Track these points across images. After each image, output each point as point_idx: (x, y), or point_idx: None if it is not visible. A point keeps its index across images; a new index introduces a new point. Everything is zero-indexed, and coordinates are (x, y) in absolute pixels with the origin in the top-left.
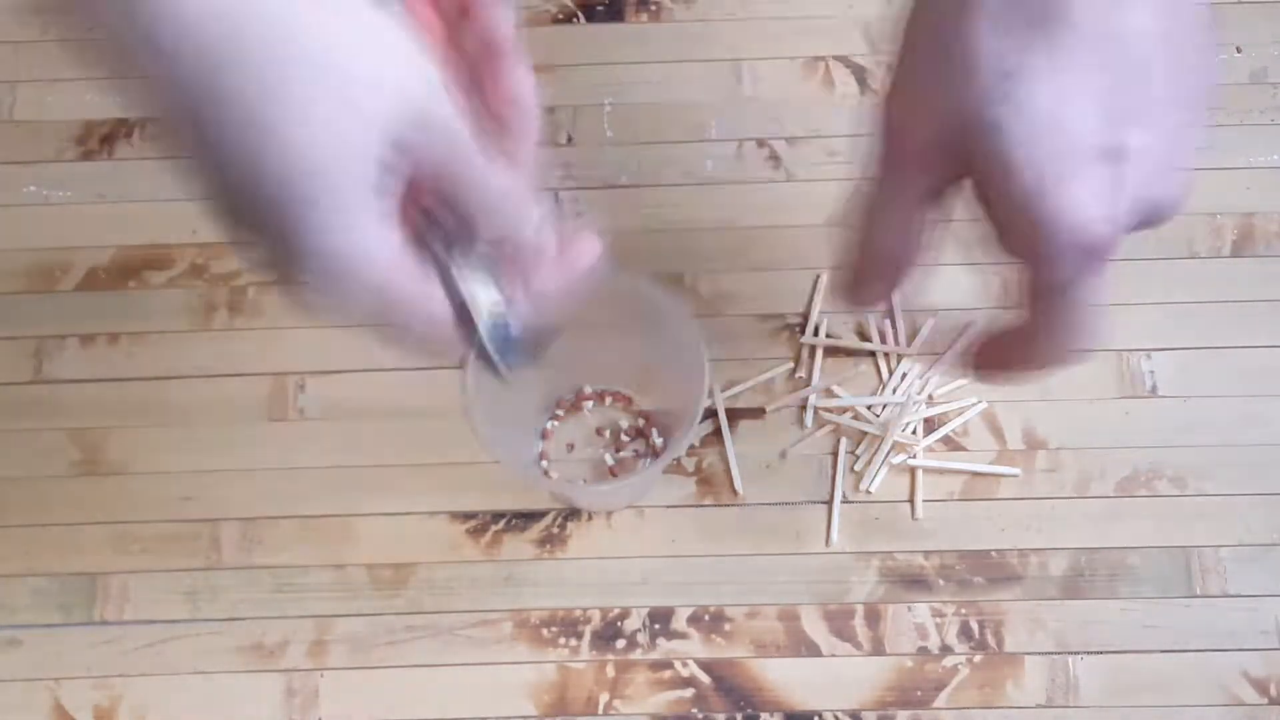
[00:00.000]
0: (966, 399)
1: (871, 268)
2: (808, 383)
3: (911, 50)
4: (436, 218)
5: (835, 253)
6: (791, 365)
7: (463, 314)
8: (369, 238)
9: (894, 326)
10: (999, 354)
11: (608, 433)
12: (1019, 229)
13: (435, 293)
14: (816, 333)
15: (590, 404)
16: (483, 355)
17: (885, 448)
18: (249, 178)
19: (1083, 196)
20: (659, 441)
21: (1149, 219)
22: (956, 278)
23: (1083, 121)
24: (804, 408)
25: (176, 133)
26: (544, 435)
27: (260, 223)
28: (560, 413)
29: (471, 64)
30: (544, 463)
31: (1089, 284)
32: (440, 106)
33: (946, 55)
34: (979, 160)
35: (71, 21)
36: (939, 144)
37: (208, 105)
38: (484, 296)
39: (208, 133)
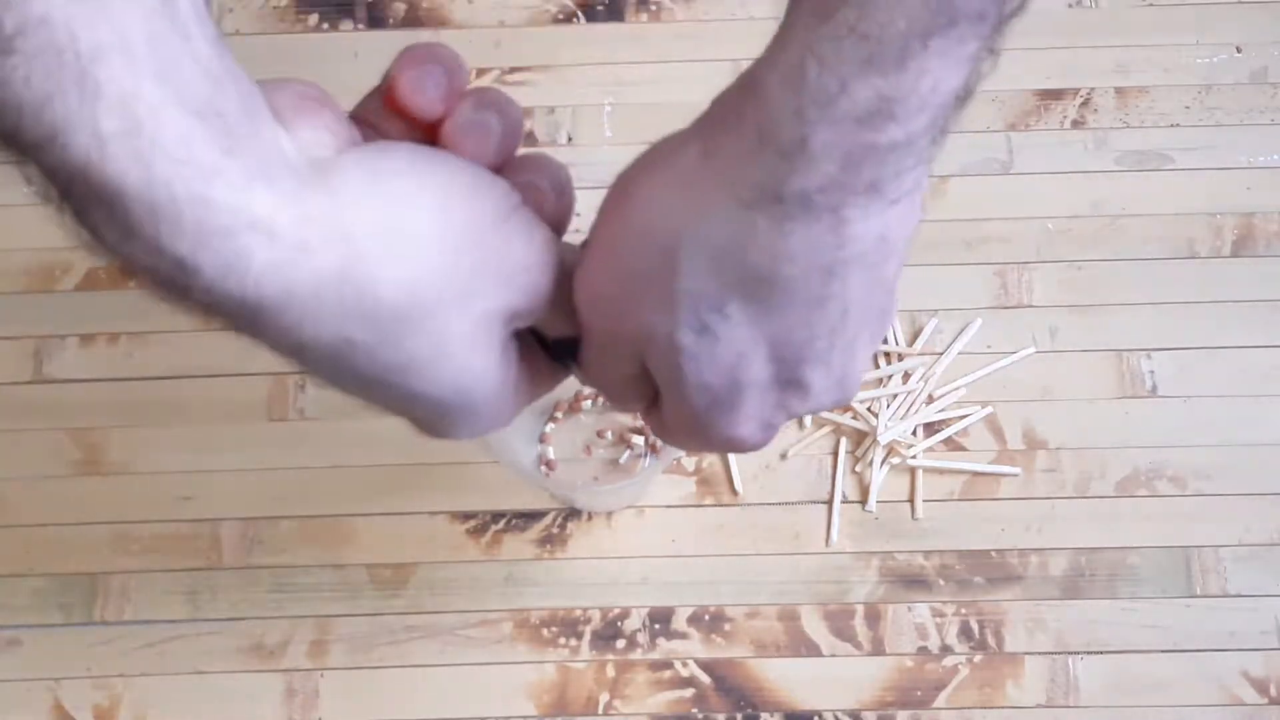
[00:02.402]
0: (969, 405)
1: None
2: None
3: (612, 248)
4: None
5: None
6: None
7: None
8: (508, 407)
9: (894, 327)
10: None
11: (608, 433)
12: (681, 422)
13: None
14: None
15: (589, 405)
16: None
17: (879, 447)
18: (391, 401)
19: (743, 420)
20: (657, 441)
21: (808, 413)
22: (956, 278)
23: (766, 363)
24: None
25: (311, 370)
26: (543, 437)
27: (410, 414)
28: (560, 414)
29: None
30: (544, 464)
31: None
32: (554, 275)
33: (650, 273)
34: (658, 369)
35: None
36: (627, 341)
37: (341, 359)
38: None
39: (348, 378)
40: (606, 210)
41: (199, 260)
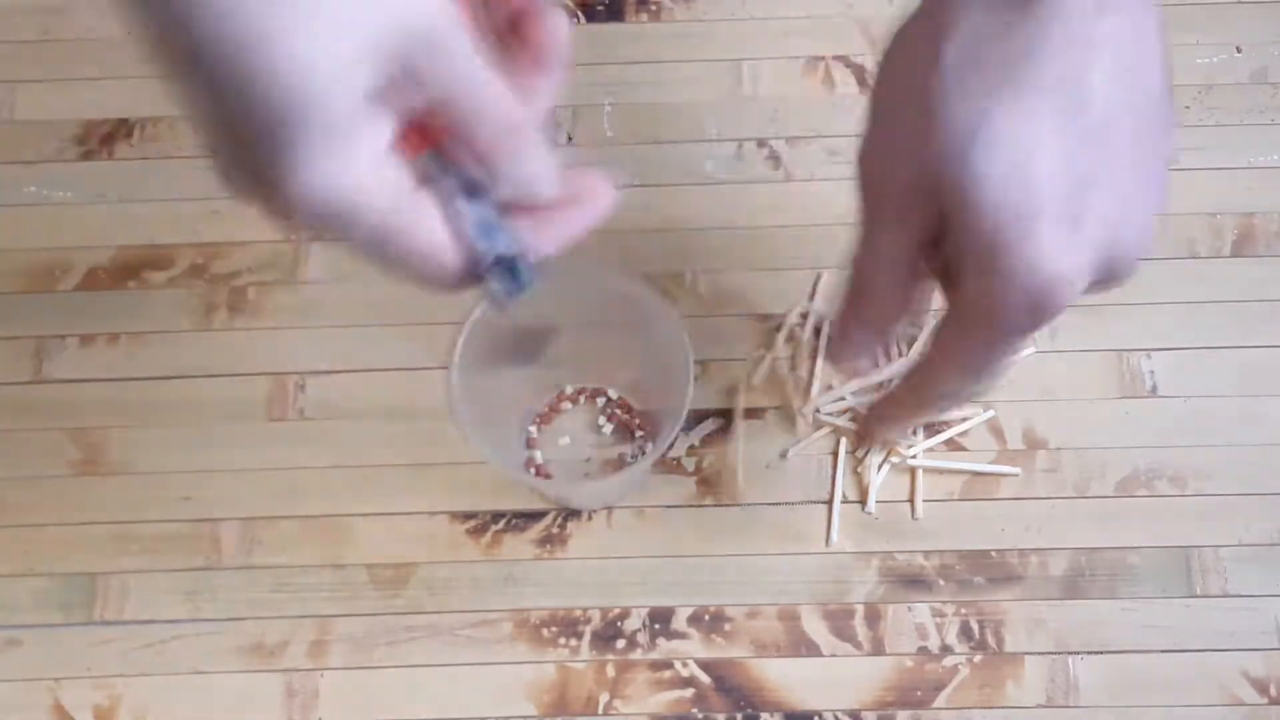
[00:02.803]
0: (969, 408)
1: (862, 322)
2: (808, 383)
3: (882, 102)
4: (446, 154)
5: (830, 308)
6: (767, 355)
7: (461, 243)
8: (361, 164)
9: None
10: (896, 405)
11: (595, 431)
12: (977, 282)
13: (434, 222)
14: (817, 333)
15: (576, 403)
16: (484, 287)
17: (874, 446)
18: (241, 98)
19: (1041, 255)
20: (643, 438)
21: (1104, 280)
22: None
23: (1044, 180)
24: (796, 413)
25: (169, 51)
26: (531, 434)
27: (252, 151)
28: (548, 411)
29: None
30: (532, 467)
31: (1029, 336)
32: (446, 25)
33: (914, 108)
34: (954, 210)
35: None
36: (913, 195)
37: (203, 17)
38: (489, 230)
39: (203, 48)
40: (876, 81)
41: None
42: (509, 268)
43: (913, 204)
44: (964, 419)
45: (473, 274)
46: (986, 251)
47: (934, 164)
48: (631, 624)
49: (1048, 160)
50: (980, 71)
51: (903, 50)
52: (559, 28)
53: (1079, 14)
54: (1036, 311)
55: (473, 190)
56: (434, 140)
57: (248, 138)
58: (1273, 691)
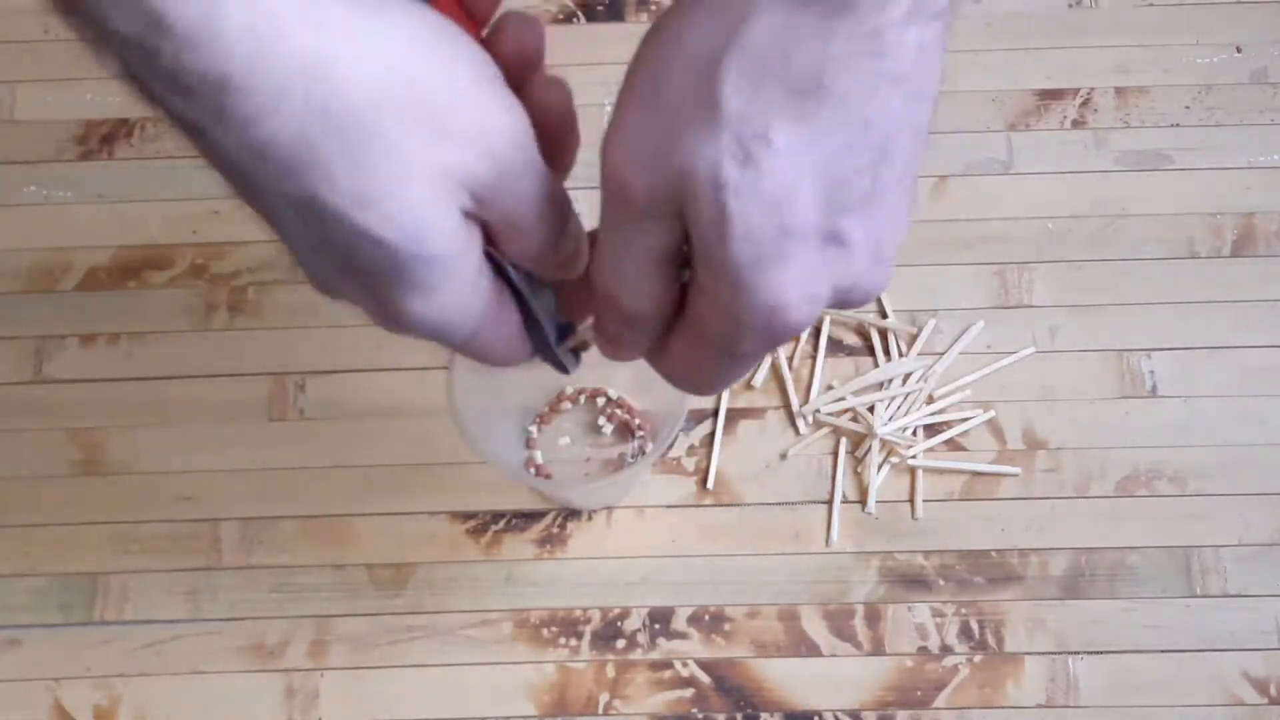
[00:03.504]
0: (969, 405)
1: (617, 325)
2: (808, 383)
3: (642, 90)
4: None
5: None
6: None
7: (531, 326)
8: (468, 294)
9: (893, 329)
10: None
11: (595, 431)
12: (718, 298)
13: (513, 317)
14: (817, 333)
15: (576, 403)
16: (551, 359)
17: (879, 447)
18: (347, 250)
19: (791, 282)
20: (642, 438)
21: (845, 303)
22: (956, 278)
23: (813, 203)
24: (796, 413)
25: (266, 202)
26: (531, 434)
27: (360, 285)
28: (548, 411)
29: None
30: (532, 467)
31: (760, 356)
32: (519, 150)
33: (686, 100)
34: (700, 217)
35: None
36: (664, 195)
37: (303, 178)
38: (545, 307)
39: (302, 200)
40: (635, 62)
41: (173, 15)
42: (562, 334)
43: (669, 204)
44: (964, 419)
45: (542, 358)
46: (731, 269)
47: (701, 163)
48: (631, 624)
49: (818, 185)
50: (769, 78)
51: (685, 38)
52: (558, 99)
53: (884, 25)
54: (770, 336)
55: (528, 273)
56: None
57: (355, 275)
58: (1273, 691)
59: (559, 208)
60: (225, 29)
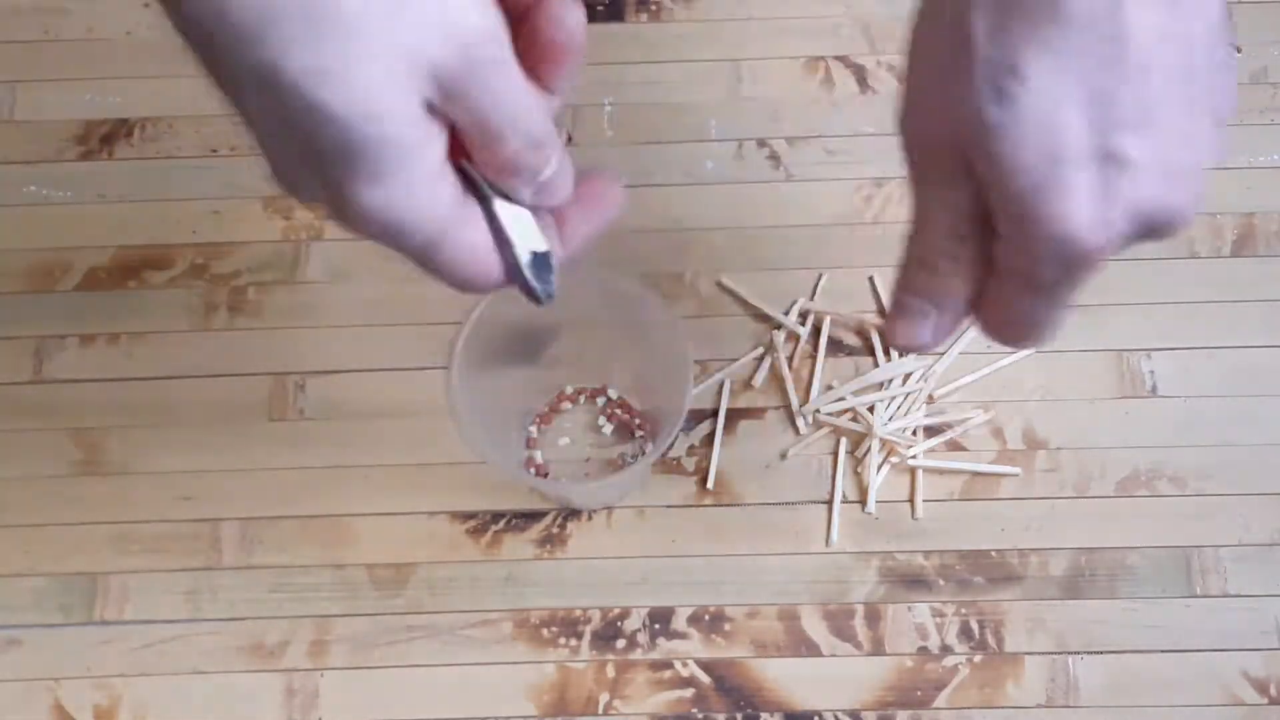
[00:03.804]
0: (969, 405)
1: (917, 292)
2: (808, 383)
3: (915, 56)
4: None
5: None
6: (763, 352)
7: (501, 245)
8: (419, 182)
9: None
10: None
11: (595, 431)
12: (1013, 231)
13: (478, 230)
14: (817, 333)
15: (575, 403)
16: (522, 284)
17: (879, 447)
18: (304, 127)
19: (1075, 204)
20: (642, 438)
21: (1152, 230)
22: None
23: (1079, 125)
24: (796, 413)
25: (228, 72)
26: (531, 434)
27: (317, 172)
28: (548, 411)
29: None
30: (532, 466)
31: (1071, 288)
32: (490, 42)
33: (947, 55)
34: (979, 160)
35: None
36: (950, 150)
37: (263, 46)
38: (519, 228)
39: (262, 70)
40: (911, 34)
41: None
42: (544, 265)
43: (958, 161)
44: (964, 420)
45: (510, 275)
46: (1014, 206)
47: (967, 109)
48: (631, 624)
49: (1078, 108)
50: (1013, 13)
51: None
52: (573, 19)
53: None
54: (1071, 266)
55: (504, 194)
56: (465, 148)
57: (312, 160)
58: (1273, 691)
59: (533, 118)
60: None
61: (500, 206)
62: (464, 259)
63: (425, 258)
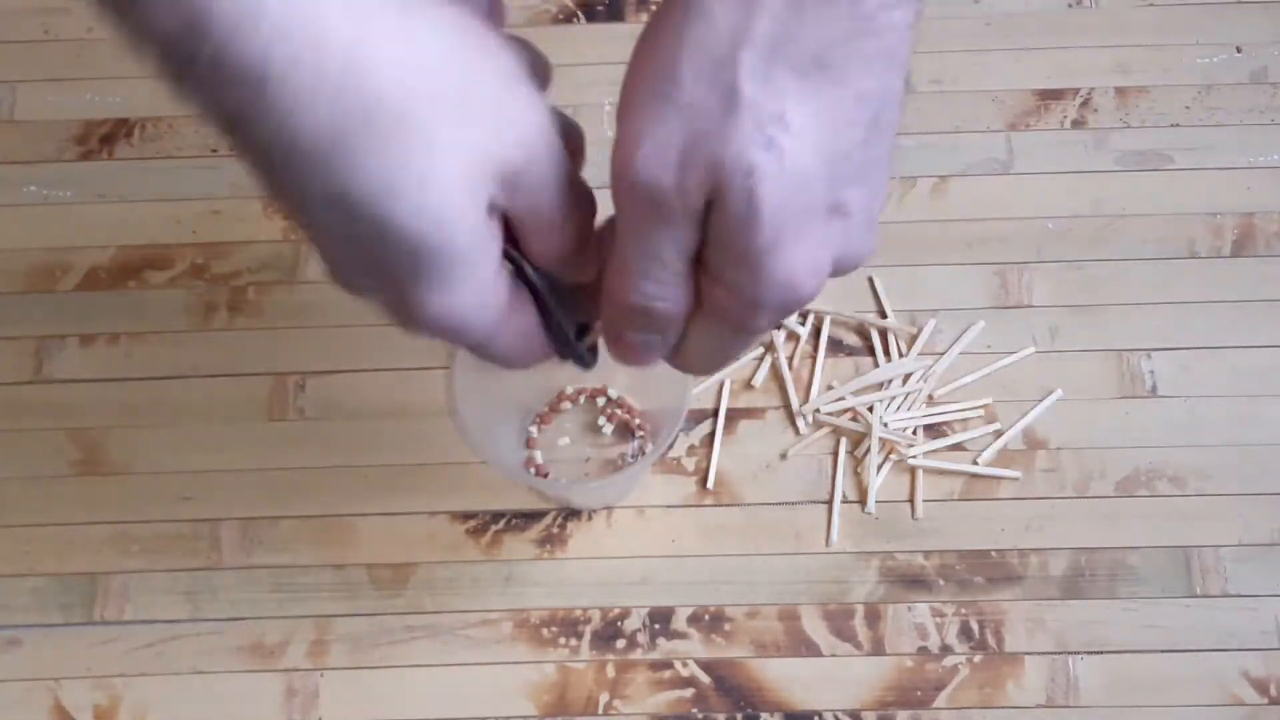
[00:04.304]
0: (969, 405)
1: (643, 332)
2: (808, 383)
3: (657, 90)
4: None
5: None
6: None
7: (549, 324)
8: (488, 291)
9: (892, 329)
10: (659, 348)
11: (595, 431)
12: (737, 275)
13: (529, 315)
14: (817, 333)
15: (576, 403)
16: (573, 357)
17: (879, 447)
18: (370, 241)
19: (802, 256)
20: (642, 438)
21: (841, 271)
22: (956, 278)
23: (822, 179)
24: (796, 413)
25: (294, 193)
26: (531, 434)
27: (380, 280)
28: (548, 411)
29: None
30: (532, 467)
31: (769, 329)
32: (547, 148)
33: (708, 95)
34: (729, 205)
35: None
36: (696, 190)
37: (331, 168)
38: (563, 306)
39: (332, 191)
40: (635, 66)
41: (212, 14)
42: (585, 335)
43: (695, 202)
44: (964, 420)
45: (561, 355)
46: (752, 251)
47: (725, 151)
48: (631, 624)
49: (825, 161)
50: (780, 63)
51: (689, 35)
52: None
53: (875, 8)
54: (785, 311)
55: (547, 276)
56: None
57: (375, 270)
58: (1273, 691)
59: (584, 204)
60: (266, 23)
61: (545, 290)
62: (517, 345)
63: (481, 349)
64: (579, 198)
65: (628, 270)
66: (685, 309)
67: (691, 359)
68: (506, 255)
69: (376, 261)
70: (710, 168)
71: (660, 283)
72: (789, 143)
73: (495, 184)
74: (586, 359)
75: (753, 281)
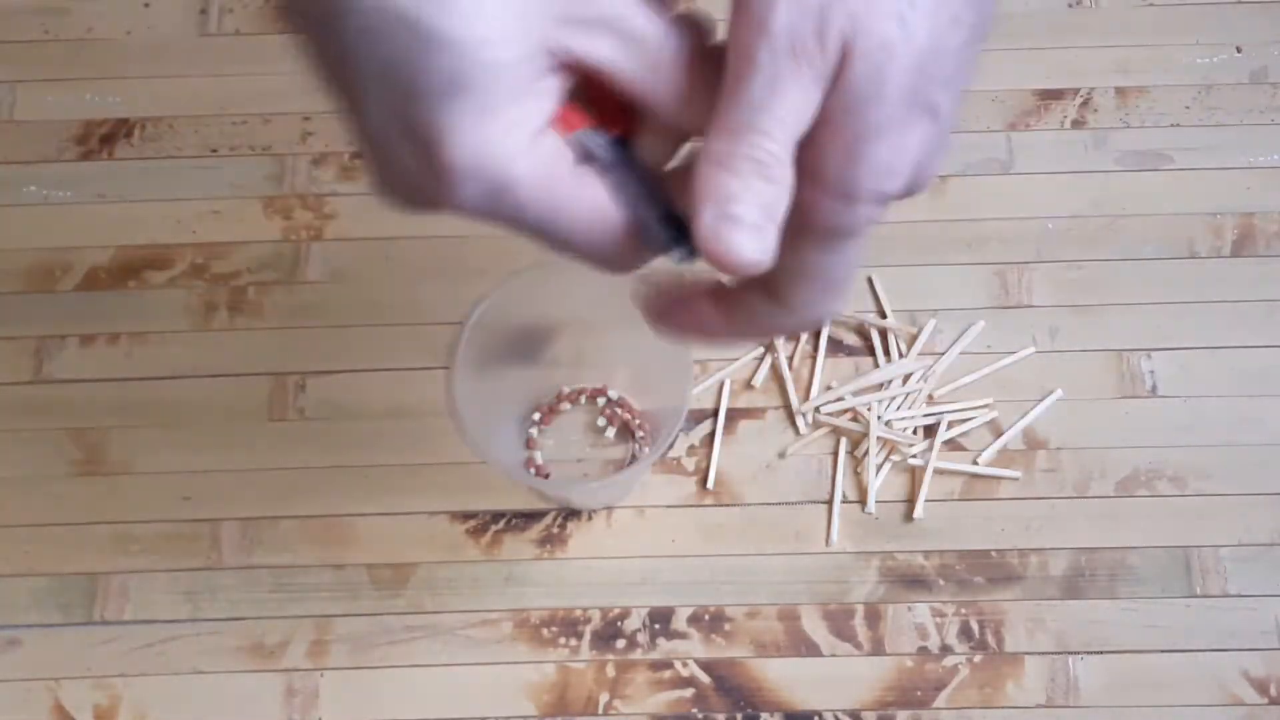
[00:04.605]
0: (969, 405)
1: (751, 210)
2: (808, 383)
3: None
4: (600, 130)
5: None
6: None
7: (634, 216)
8: (519, 134)
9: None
10: (711, 314)
11: (595, 431)
12: (836, 162)
13: (598, 194)
14: (817, 333)
15: (575, 403)
16: (658, 243)
17: (879, 447)
18: (409, 56)
19: (907, 147)
20: (642, 438)
21: (909, 190)
22: (956, 278)
23: (929, 70)
24: (796, 413)
25: (329, 24)
26: (531, 434)
27: (412, 111)
28: (548, 411)
29: None
30: (532, 467)
31: (855, 244)
32: (626, 8)
33: None
34: (854, 74)
35: None
36: (830, 43)
37: None
38: (653, 195)
39: (374, 12)
40: None
41: None
42: (680, 229)
43: (833, 61)
44: (964, 420)
45: (645, 242)
46: (861, 135)
47: (869, 28)
48: (631, 624)
49: (934, 54)
50: None
51: None
52: None
53: None
54: (876, 205)
55: (630, 160)
56: (588, 119)
57: (409, 97)
58: (1273, 691)
59: (677, 52)
60: None
61: (624, 171)
62: (584, 226)
63: (542, 227)
64: (671, 47)
65: (745, 130)
66: (789, 198)
67: (780, 284)
68: (583, 132)
69: (409, 97)
70: (847, 30)
71: (778, 146)
72: (916, 21)
73: (555, 24)
74: (680, 251)
75: (853, 165)
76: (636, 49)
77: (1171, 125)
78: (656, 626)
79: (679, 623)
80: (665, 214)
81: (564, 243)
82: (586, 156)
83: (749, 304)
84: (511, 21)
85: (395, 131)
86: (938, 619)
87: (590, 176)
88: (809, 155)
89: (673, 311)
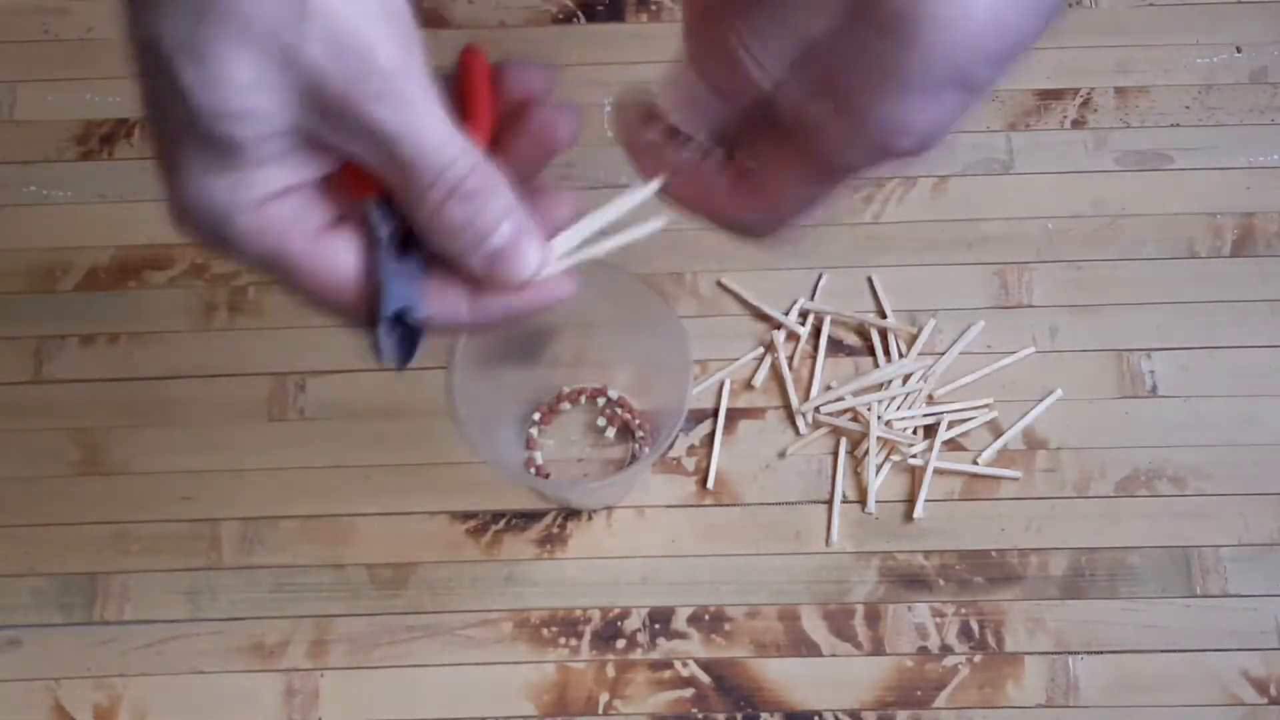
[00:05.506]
0: (969, 405)
1: (721, 78)
2: (808, 383)
3: None
4: (387, 205)
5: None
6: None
7: (371, 295)
8: (250, 194)
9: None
10: (714, 192)
11: (595, 431)
12: (858, 103)
13: (336, 264)
14: (817, 333)
15: (576, 403)
16: (371, 338)
17: (879, 447)
18: (166, 100)
19: (931, 110)
20: (643, 438)
21: (919, 149)
22: (956, 278)
23: (992, 44)
24: (796, 413)
25: (130, 46)
26: (531, 434)
27: (164, 150)
28: (548, 411)
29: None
30: (532, 467)
31: (845, 174)
32: (390, 64)
33: None
34: (884, 14)
35: None
36: None
37: (151, 11)
38: (400, 285)
39: (146, 49)
40: None
41: None
42: (405, 327)
43: None
44: (964, 420)
45: (370, 322)
46: (901, 83)
47: None
48: (631, 624)
49: (995, 18)
50: None
51: None
52: (566, 131)
53: None
54: (876, 155)
55: (410, 244)
56: (374, 187)
57: (160, 125)
58: (1273, 691)
59: (448, 157)
60: None
61: (383, 252)
62: (314, 289)
63: (278, 279)
64: (439, 144)
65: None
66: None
67: (767, 200)
68: (372, 201)
69: (167, 125)
70: None
71: (776, 48)
72: None
73: (307, 99)
74: (385, 346)
75: (874, 107)
76: (386, 155)
77: (1171, 125)
78: (656, 626)
79: (679, 623)
80: (404, 312)
81: (296, 293)
82: (363, 222)
83: (706, 173)
84: (263, 102)
85: (155, 151)
86: (938, 619)
87: (342, 240)
88: (837, 74)
89: (638, 143)
